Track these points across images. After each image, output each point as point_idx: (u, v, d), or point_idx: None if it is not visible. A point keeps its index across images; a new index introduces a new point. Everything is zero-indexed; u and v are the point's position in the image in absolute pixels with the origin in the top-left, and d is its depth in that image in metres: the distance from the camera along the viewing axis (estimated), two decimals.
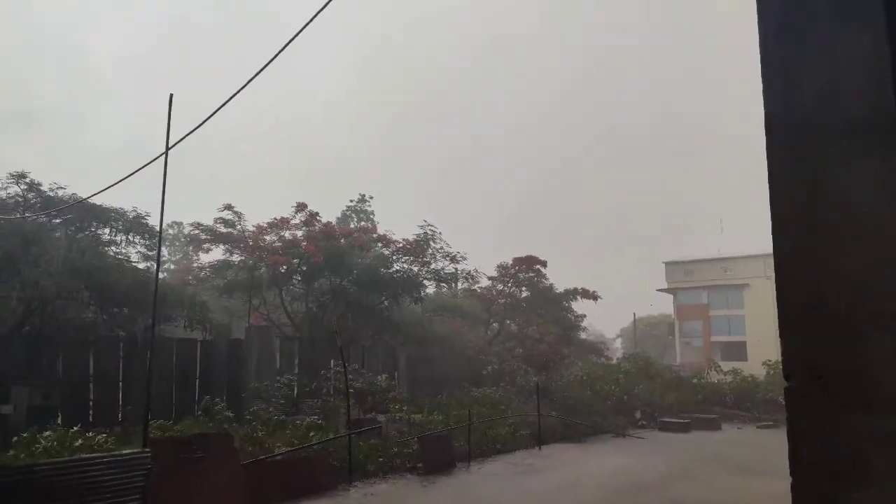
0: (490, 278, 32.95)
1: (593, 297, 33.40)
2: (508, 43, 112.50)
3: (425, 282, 27.68)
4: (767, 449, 15.40)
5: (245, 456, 11.42)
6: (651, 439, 20.36)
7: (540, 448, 17.95)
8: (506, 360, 29.02)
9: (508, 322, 33.25)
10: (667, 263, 65.92)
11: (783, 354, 1.55)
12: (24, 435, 11.71)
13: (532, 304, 33.27)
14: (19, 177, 18.49)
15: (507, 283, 33.27)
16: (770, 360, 27.15)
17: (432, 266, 27.45)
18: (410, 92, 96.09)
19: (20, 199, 18.51)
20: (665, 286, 65.67)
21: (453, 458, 14.92)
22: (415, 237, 27.08)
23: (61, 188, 18.99)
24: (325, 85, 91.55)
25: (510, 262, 32.88)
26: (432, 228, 27.59)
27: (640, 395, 25.15)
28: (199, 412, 16.97)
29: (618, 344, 75.70)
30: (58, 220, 19.23)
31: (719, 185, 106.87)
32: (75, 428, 12.31)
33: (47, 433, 11.77)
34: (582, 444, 19.14)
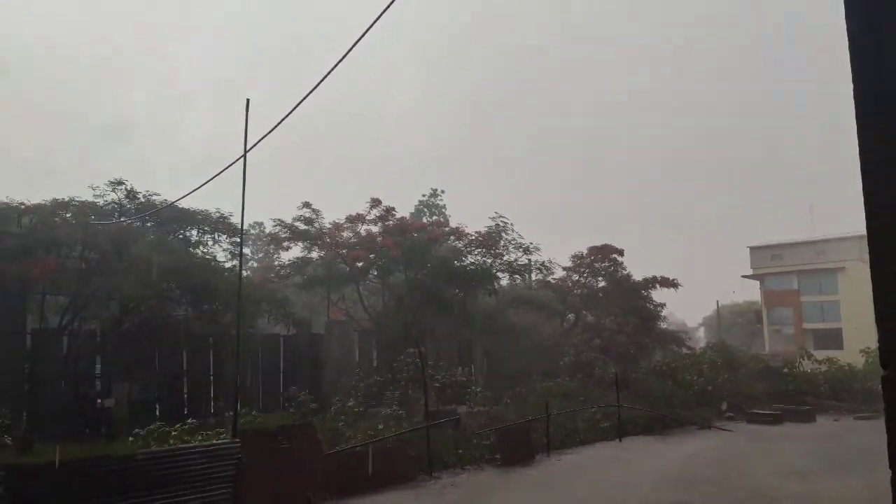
0: (565, 269, 32.50)
1: (673, 285, 32.36)
2: (574, 30, 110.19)
3: (498, 274, 27.62)
4: (866, 441, 14.50)
5: (328, 446, 11.77)
6: (739, 431, 19.58)
7: (621, 440, 17.61)
8: (583, 351, 28.59)
9: (585, 313, 32.69)
10: (752, 248, 62.94)
11: (880, 342, 1.46)
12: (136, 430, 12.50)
13: (609, 294, 32.58)
14: (116, 184, 19.67)
15: (583, 273, 32.72)
16: (869, 348, 25.53)
17: (505, 258, 27.35)
18: (479, 84, 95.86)
19: (117, 206, 19.68)
20: (750, 272, 62.80)
21: (532, 450, 14.86)
22: (486, 229, 27.04)
23: (154, 194, 20.09)
24: (396, 82, 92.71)
25: (585, 251, 32.33)
26: (504, 220, 27.48)
27: (726, 386, 24.19)
28: (284, 404, 17.61)
29: (700, 333, 73.08)
30: (150, 224, 20.34)
31: (809, 164, 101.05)
32: (171, 420, 13.05)
33: (148, 426, 12.52)
34: (665, 436, 18.62)
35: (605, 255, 32.07)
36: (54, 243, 17.17)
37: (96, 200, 19.37)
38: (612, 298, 31.97)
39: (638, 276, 33.15)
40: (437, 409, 16.45)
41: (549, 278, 32.11)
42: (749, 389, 24.78)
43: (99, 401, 17.01)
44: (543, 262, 30.46)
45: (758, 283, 62.98)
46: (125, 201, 19.80)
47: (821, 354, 29.86)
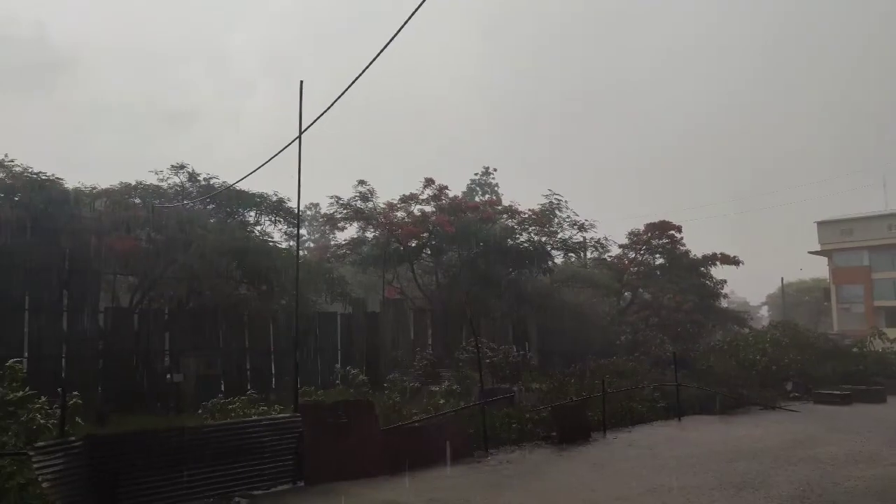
0: (621, 246, 31.96)
1: (734, 262, 31.42)
2: None
3: (553, 252, 27.38)
4: None
5: (384, 422, 11.99)
6: (806, 412, 18.94)
7: (680, 419, 17.30)
8: (640, 330, 28.16)
9: (641, 291, 32.11)
10: (820, 223, 60.27)
11: None
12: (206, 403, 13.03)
13: (667, 271, 31.90)
14: (179, 168, 20.36)
15: (640, 250, 32.10)
16: None
17: (559, 236, 27.06)
18: (530, 57, 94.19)
19: (179, 189, 20.38)
20: (818, 248, 60.24)
21: (588, 428, 14.77)
22: (540, 207, 26.78)
23: (214, 177, 20.71)
24: (451, 57, 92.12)
25: (642, 228, 31.68)
26: (558, 197, 27.16)
27: (791, 366, 23.37)
28: (341, 380, 18.02)
29: (763, 312, 70.80)
30: (212, 206, 20.99)
31: (884, 136, 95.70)
32: (235, 395, 13.53)
33: (214, 399, 13.03)
34: (726, 416, 18.18)
35: (662, 232, 31.38)
36: (123, 226, 17.92)
37: (161, 184, 20.09)
38: (670, 276, 31.31)
39: (698, 253, 32.32)
40: (492, 387, 16.52)
41: (605, 256, 31.64)
42: (816, 370, 23.88)
43: (168, 376, 17.80)
44: (599, 239, 30.06)
45: (826, 259, 60.40)
46: (187, 184, 20.46)
47: (893, 333, 28.51)
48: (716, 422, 17.27)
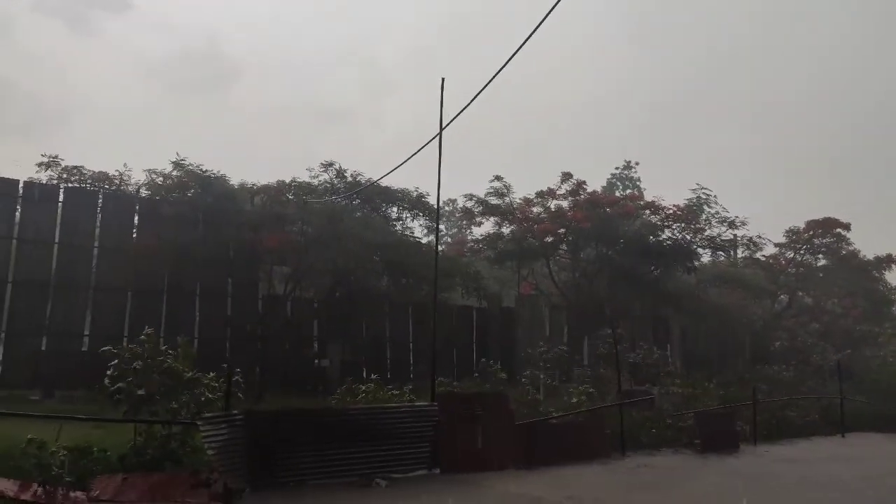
0: (777, 245, 29.52)
1: None
2: None
3: (699, 250, 25.88)
4: None
5: (519, 416, 11.99)
6: None
7: (843, 436, 15.76)
8: (797, 336, 25.91)
9: (800, 294, 29.53)
10: None
11: None
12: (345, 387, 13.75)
13: (831, 273, 29.07)
14: (328, 165, 21.64)
15: (799, 249, 29.49)
16: None
17: (707, 233, 25.51)
18: (678, 45, 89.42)
19: (329, 185, 21.64)
20: None
21: (736, 438, 13.85)
22: (686, 202, 25.42)
23: (360, 174, 21.78)
24: (593, 49, 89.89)
25: (802, 225, 29.07)
26: (706, 192, 25.61)
27: None
28: (476, 373, 18.27)
29: None
30: (357, 202, 22.08)
31: None
32: (376, 381, 14.11)
33: (360, 385, 13.63)
34: None
35: (826, 230, 28.60)
36: (279, 220, 19.36)
37: (312, 181, 21.46)
38: (835, 278, 28.49)
39: (868, 253, 29.12)
40: (630, 389, 15.99)
41: (759, 255, 29.41)
42: None
43: (317, 361, 19.03)
44: (752, 237, 27.99)
45: None
46: (336, 181, 21.68)
47: None
48: (886, 441, 15.51)
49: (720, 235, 25.98)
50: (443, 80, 11.84)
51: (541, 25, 10.02)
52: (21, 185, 17.70)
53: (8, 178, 17.64)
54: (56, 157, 19.24)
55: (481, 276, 22.94)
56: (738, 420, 14.57)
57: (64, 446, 8.14)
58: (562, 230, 24.55)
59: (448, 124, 12.02)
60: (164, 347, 9.82)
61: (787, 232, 29.36)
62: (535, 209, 25.02)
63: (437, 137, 12.01)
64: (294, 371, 18.54)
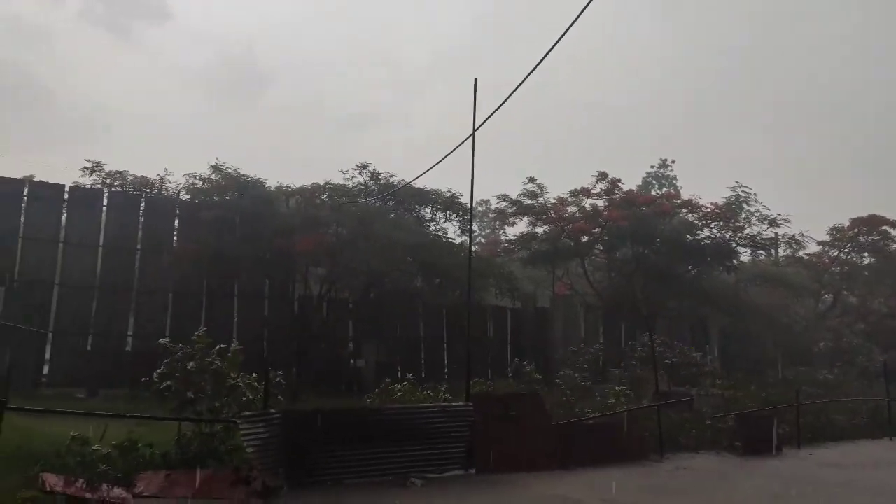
0: (820, 243, 28.74)
1: None
2: None
3: (738, 248, 25.36)
4: None
5: (554, 417, 11.90)
6: None
7: (891, 439, 15.24)
8: (842, 336, 25.16)
9: (845, 293, 28.67)
10: None
11: None
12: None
13: (878, 272, 28.15)
14: (362, 168, 21.81)
15: (843, 247, 28.66)
16: None
17: (746, 231, 24.98)
18: (714, 42, 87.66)
19: (363, 187, 21.81)
20: None
21: (778, 441, 13.51)
22: (724, 200, 24.92)
23: (393, 175, 21.90)
24: (621, 48, 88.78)
25: (847, 223, 28.23)
26: (745, 190, 25.09)
27: None
28: (510, 373, 18.20)
29: None
30: (390, 203, 22.21)
31: None
32: (411, 381, 14.17)
33: (395, 385, 13.70)
34: None
35: (872, 227, 27.72)
36: (314, 222, 19.59)
37: (346, 183, 21.65)
38: (882, 277, 27.59)
39: None
40: (668, 390, 15.74)
41: (801, 253, 28.67)
42: None
43: (352, 361, 19.19)
44: (794, 235, 27.29)
45: None
46: (370, 182, 21.83)
47: None
48: None
49: (761, 234, 25.46)
50: (476, 80, 11.83)
51: (573, 25, 9.95)
52: (67, 189, 18.27)
53: (54, 184, 18.25)
54: (99, 162, 19.88)
55: (515, 276, 22.86)
56: (781, 423, 14.21)
57: (109, 443, 8.39)
58: (597, 229, 24.32)
59: (481, 125, 12.01)
60: (215, 349, 9.81)
61: (830, 230, 28.58)
62: (569, 208, 24.83)
63: (471, 138, 11.99)
64: (329, 371, 18.73)
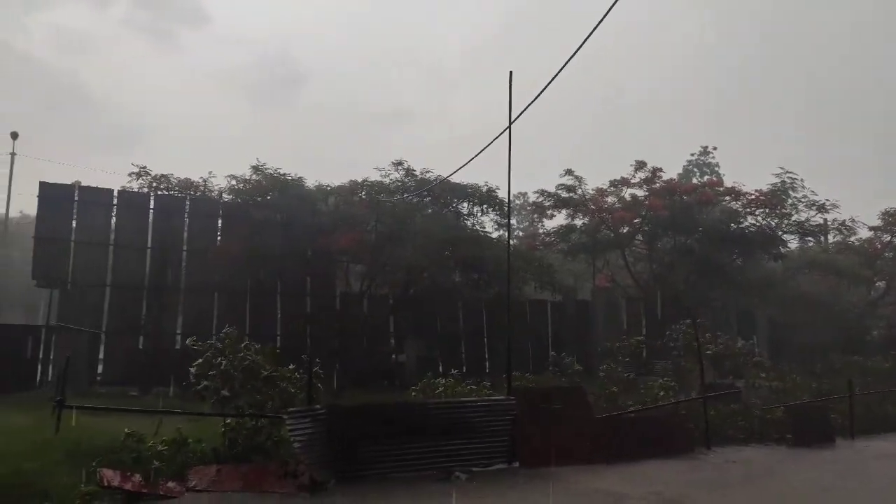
0: (872, 228, 27.68)
1: None
2: None
3: (785, 236, 24.65)
4: None
5: (598, 410, 11.79)
6: None
7: None
8: None
9: None
10: None
11: None
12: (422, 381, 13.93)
13: None
14: (398, 164, 21.89)
15: None
16: None
17: (793, 218, 24.25)
18: (758, 28, 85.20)
19: (399, 183, 21.90)
20: None
21: (831, 432, 13.14)
22: (770, 187, 24.23)
23: (429, 171, 21.90)
24: (665, 33, 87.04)
25: None
26: (791, 175, 24.33)
27: None
28: (551, 366, 18.09)
29: None
30: (427, 199, 22.24)
31: None
32: (453, 376, 14.22)
33: (437, 380, 13.78)
34: None
35: None
36: (353, 219, 19.78)
37: (383, 180, 21.77)
38: None
39: None
40: (714, 382, 15.42)
41: (852, 239, 27.68)
42: None
43: (393, 356, 19.34)
44: (844, 220, 26.37)
45: None
46: (406, 179, 21.90)
47: None
48: None
49: (808, 220, 24.68)
50: (510, 73, 11.74)
51: (609, 13, 9.78)
52: (115, 194, 18.86)
53: (103, 188, 18.87)
54: (145, 167, 20.44)
55: (554, 269, 22.66)
56: (834, 413, 13.81)
57: (162, 439, 8.68)
58: (637, 220, 23.94)
59: (517, 117, 11.92)
60: (243, 344, 9.95)
61: (882, 214, 27.50)
62: (608, 199, 24.50)
63: (507, 131, 11.93)
64: (371, 366, 18.92)
